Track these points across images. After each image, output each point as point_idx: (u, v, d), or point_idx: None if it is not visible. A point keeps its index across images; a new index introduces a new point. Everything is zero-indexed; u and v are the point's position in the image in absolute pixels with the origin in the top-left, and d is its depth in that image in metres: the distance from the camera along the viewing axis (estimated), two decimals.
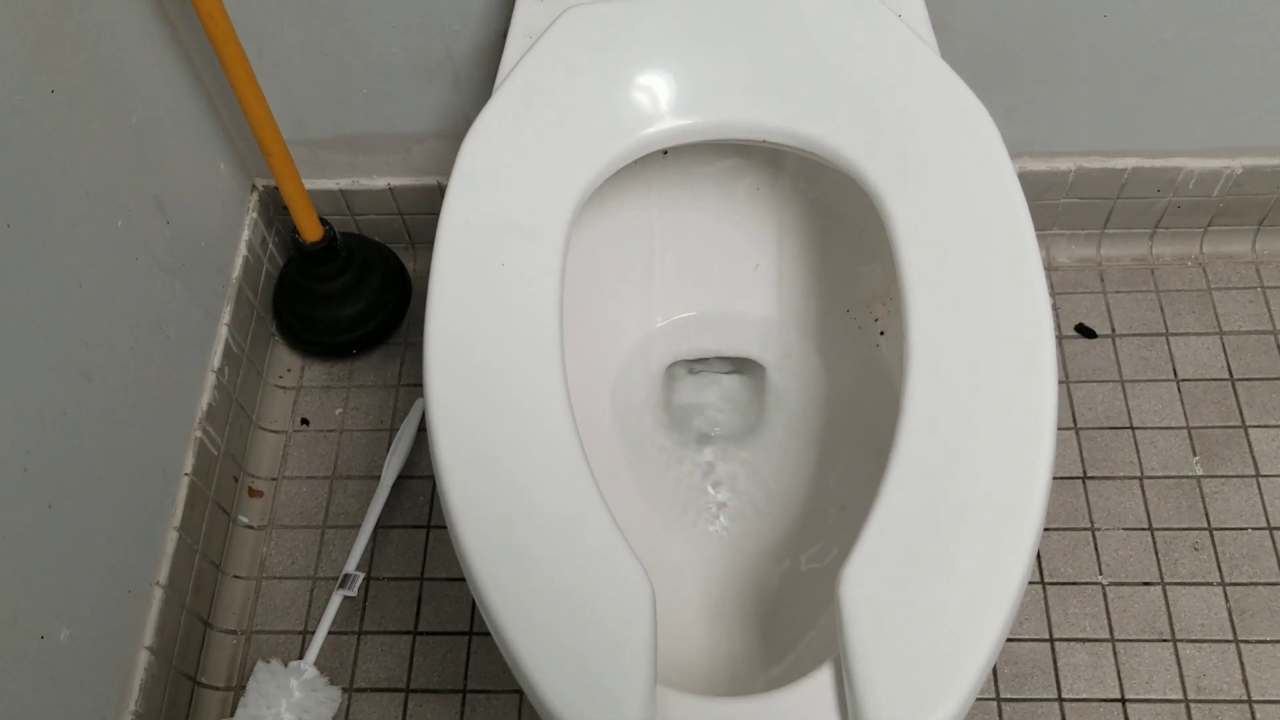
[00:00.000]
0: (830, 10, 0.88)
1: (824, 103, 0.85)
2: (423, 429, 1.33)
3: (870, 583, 0.68)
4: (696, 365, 1.06)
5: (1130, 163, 1.29)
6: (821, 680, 0.67)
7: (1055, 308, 1.38)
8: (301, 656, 1.18)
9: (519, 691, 1.17)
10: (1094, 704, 1.14)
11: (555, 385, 0.75)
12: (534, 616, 0.68)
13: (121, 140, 1.06)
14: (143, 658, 1.07)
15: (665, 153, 0.98)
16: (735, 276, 1.03)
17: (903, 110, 0.85)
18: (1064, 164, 1.29)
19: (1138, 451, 1.28)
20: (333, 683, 1.17)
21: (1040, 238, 1.39)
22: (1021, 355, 0.75)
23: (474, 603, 1.21)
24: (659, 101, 0.86)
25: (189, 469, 1.17)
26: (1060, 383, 1.33)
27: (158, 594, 1.10)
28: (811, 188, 0.99)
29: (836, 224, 1.00)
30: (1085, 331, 1.36)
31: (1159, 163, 1.29)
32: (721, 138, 0.86)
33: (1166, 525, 1.23)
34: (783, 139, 0.85)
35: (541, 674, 0.66)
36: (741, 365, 1.04)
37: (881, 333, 0.98)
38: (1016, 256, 0.79)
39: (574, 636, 0.67)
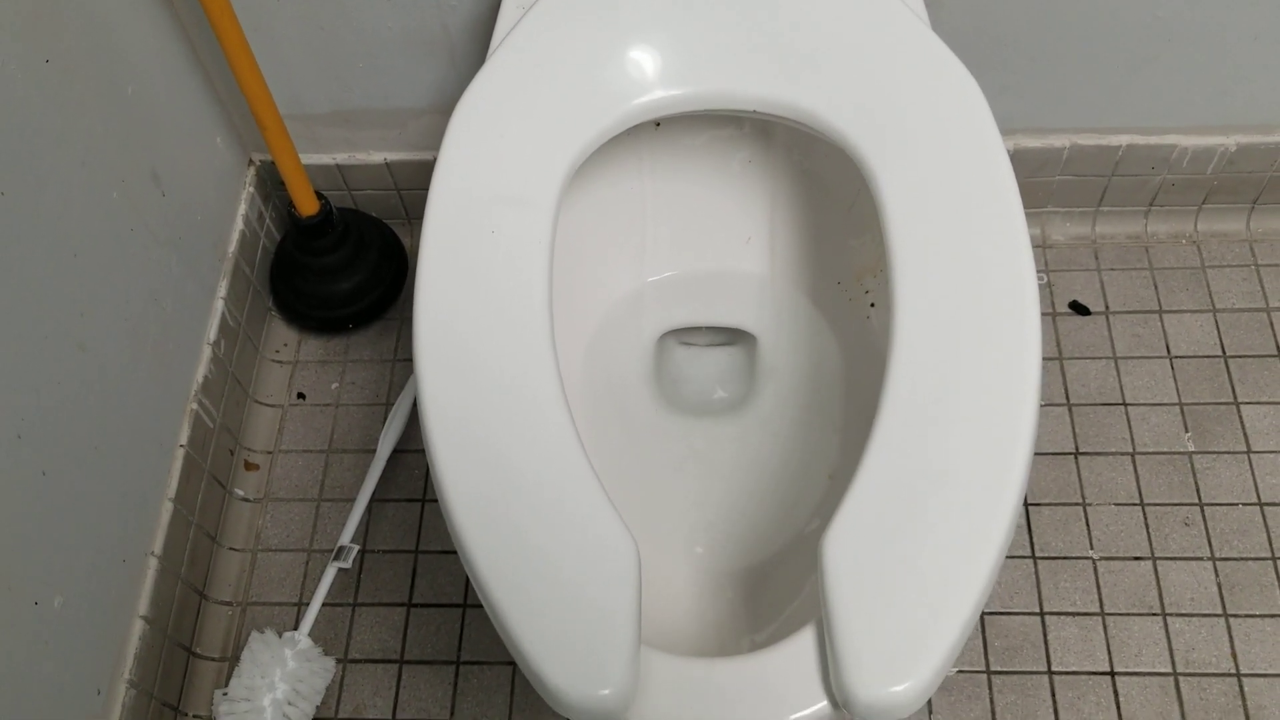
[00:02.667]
0: None
1: (815, 74, 0.85)
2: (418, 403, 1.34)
3: (852, 547, 0.68)
4: (687, 336, 1.06)
5: (1124, 140, 1.29)
6: (804, 642, 0.68)
7: (1049, 284, 1.38)
8: (296, 628, 1.19)
9: (512, 663, 1.18)
10: (1083, 676, 1.15)
11: (544, 356, 0.76)
12: (521, 581, 0.68)
13: (117, 112, 1.06)
14: (138, 627, 1.08)
15: (658, 124, 0.98)
16: (727, 248, 1.03)
17: (893, 82, 0.85)
18: (1059, 141, 1.29)
19: (1130, 427, 1.29)
20: (327, 653, 1.18)
21: (1035, 215, 1.40)
22: (1006, 327, 0.76)
23: (468, 576, 1.23)
24: (650, 71, 0.86)
25: (184, 441, 1.17)
26: (1053, 359, 1.33)
27: (152, 564, 1.11)
28: (803, 159, 0.99)
29: (828, 196, 1.00)
30: (1079, 308, 1.36)
31: (1153, 140, 1.29)
32: (712, 107, 0.87)
33: (1158, 500, 1.24)
34: (773, 109, 0.86)
35: (527, 636, 0.67)
36: (733, 336, 1.05)
37: (872, 304, 0.99)
38: (1003, 229, 0.79)
39: (560, 600, 0.68)
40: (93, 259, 1.02)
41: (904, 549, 0.68)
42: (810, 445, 0.96)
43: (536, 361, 0.76)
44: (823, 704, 0.66)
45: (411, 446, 1.31)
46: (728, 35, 0.87)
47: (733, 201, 1.02)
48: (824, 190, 1.00)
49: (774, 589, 0.89)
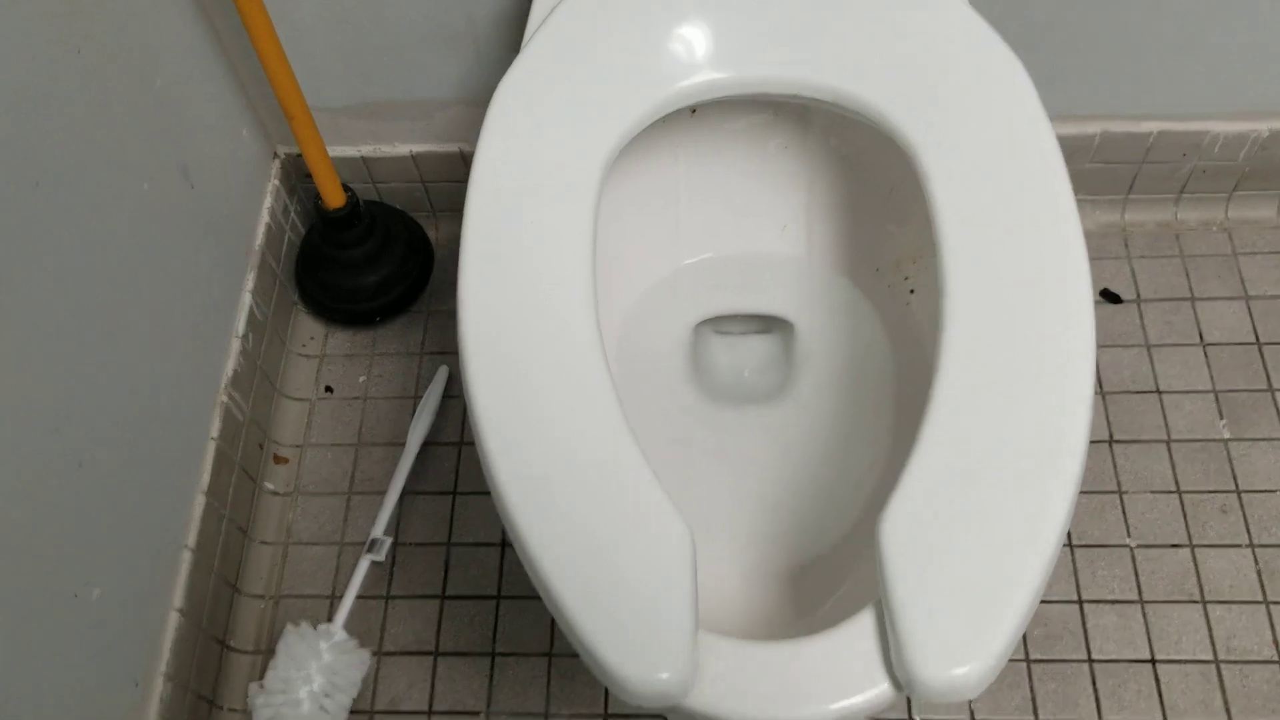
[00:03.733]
0: None
1: (857, 57, 0.85)
2: (448, 396, 1.33)
3: (911, 528, 0.68)
4: (723, 325, 1.05)
5: (1156, 126, 1.28)
6: (863, 624, 0.67)
7: None
8: (330, 620, 1.18)
9: (547, 654, 1.17)
10: (1124, 664, 1.14)
11: (591, 341, 0.75)
12: (577, 566, 0.68)
13: (146, 103, 1.06)
14: (173, 619, 1.07)
15: (693, 110, 0.97)
16: (763, 236, 1.03)
17: (937, 64, 0.84)
18: (1090, 128, 1.28)
19: (1164, 415, 1.28)
20: (362, 646, 1.17)
21: None
22: (1059, 312, 0.75)
23: (501, 568, 1.22)
24: (689, 57, 0.85)
25: (215, 434, 1.17)
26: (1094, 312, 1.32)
27: (186, 557, 1.10)
28: (841, 145, 0.99)
29: (866, 182, 0.99)
30: (1110, 297, 1.35)
31: (1185, 126, 1.28)
32: (752, 92, 0.86)
33: (1194, 488, 1.23)
34: (814, 93, 0.85)
35: (585, 621, 0.66)
36: (769, 324, 1.04)
37: (911, 291, 0.98)
38: (1053, 213, 0.79)
39: (616, 584, 0.67)
40: (124, 251, 1.01)
41: (963, 530, 0.67)
42: (851, 433, 0.95)
43: (583, 350, 0.75)
44: (884, 686, 0.65)
45: (441, 439, 1.31)
46: (766, 19, 0.86)
47: (768, 188, 1.02)
48: (862, 176, 1.00)
49: (818, 578, 0.88)
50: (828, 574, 0.87)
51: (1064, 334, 0.74)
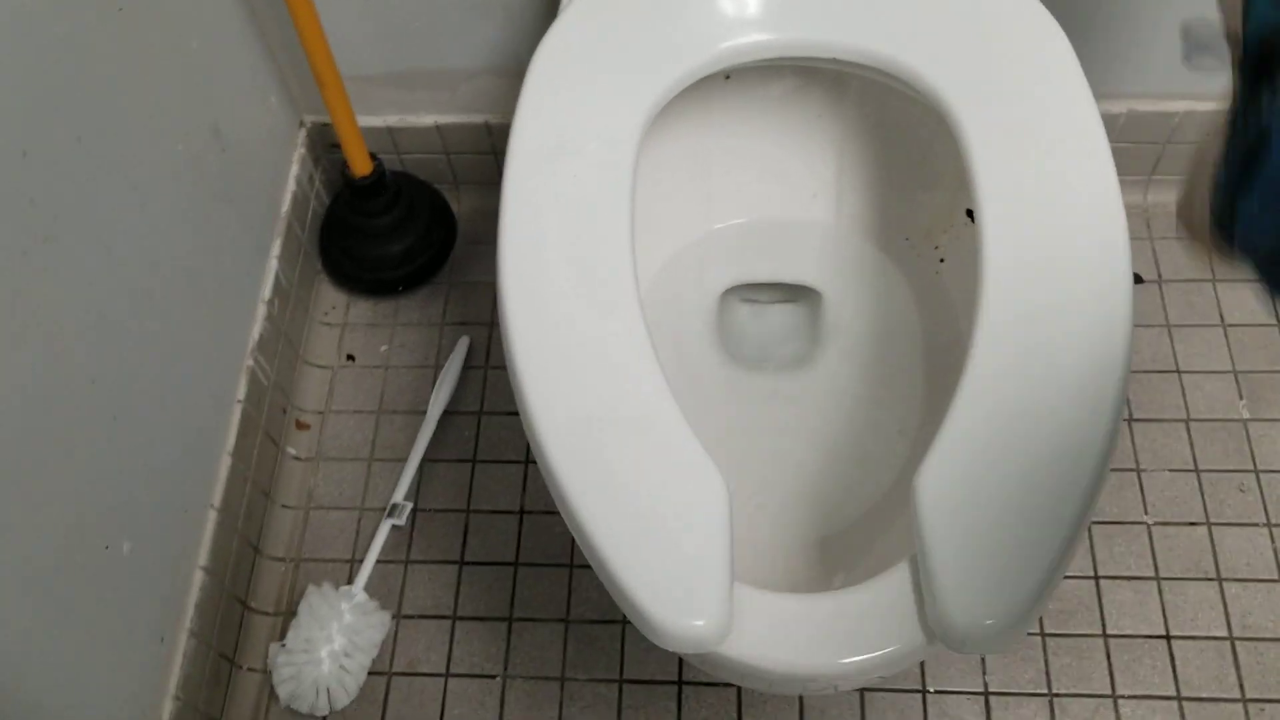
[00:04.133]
0: None
1: (897, 22, 0.85)
2: (468, 366, 1.34)
3: (945, 484, 0.68)
4: (751, 292, 1.06)
5: (1182, 106, 1.28)
6: (897, 577, 0.68)
7: None
8: (350, 583, 1.19)
9: (564, 620, 1.18)
10: (1139, 640, 1.15)
11: (630, 298, 0.76)
12: (615, 515, 0.68)
13: (182, 65, 1.06)
14: (198, 577, 1.08)
15: (727, 77, 0.98)
16: (794, 203, 1.03)
17: (978, 30, 0.85)
18: (1116, 106, 1.28)
19: (1184, 395, 1.28)
20: (382, 608, 1.18)
21: None
22: (1097, 287, 0.76)
23: (520, 534, 1.23)
24: (729, 18, 0.86)
25: (241, 396, 1.17)
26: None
27: (212, 516, 1.11)
28: (875, 112, 0.99)
29: (899, 150, 1.00)
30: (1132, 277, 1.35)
31: (1213, 106, 1.28)
32: (792, 55, 0.86)
33: (1213, 467, 1.24)
34: (854, 57, 0.86)
35: (622, 567, 0.67)
36: (797, 292, 1.04)
37: (941, 260, 0.99)
38: (1094, 183, 0.79)
39: (655, 533, 0.68)
40: (159, 210, 1.02)
41: (996, 489, 0.68)
42: (879, 400, 0.96)
43: (623, 305, 0.76)
44: (918, 636, 0.65)
45: (461, 408, 1.31)
46: None
47: (800, 156, 1.02)
48: (895, 144, 1.00)
49: (849, 543, 0.88)
50: (858, 540, 0.88)
51: (1101, 303, 0.74)
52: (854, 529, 0.90)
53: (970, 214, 0.94)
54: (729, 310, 1.05)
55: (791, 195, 1.03)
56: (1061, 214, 0.78)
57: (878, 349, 0.98)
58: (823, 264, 1.02)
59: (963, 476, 0.68)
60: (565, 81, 0.84)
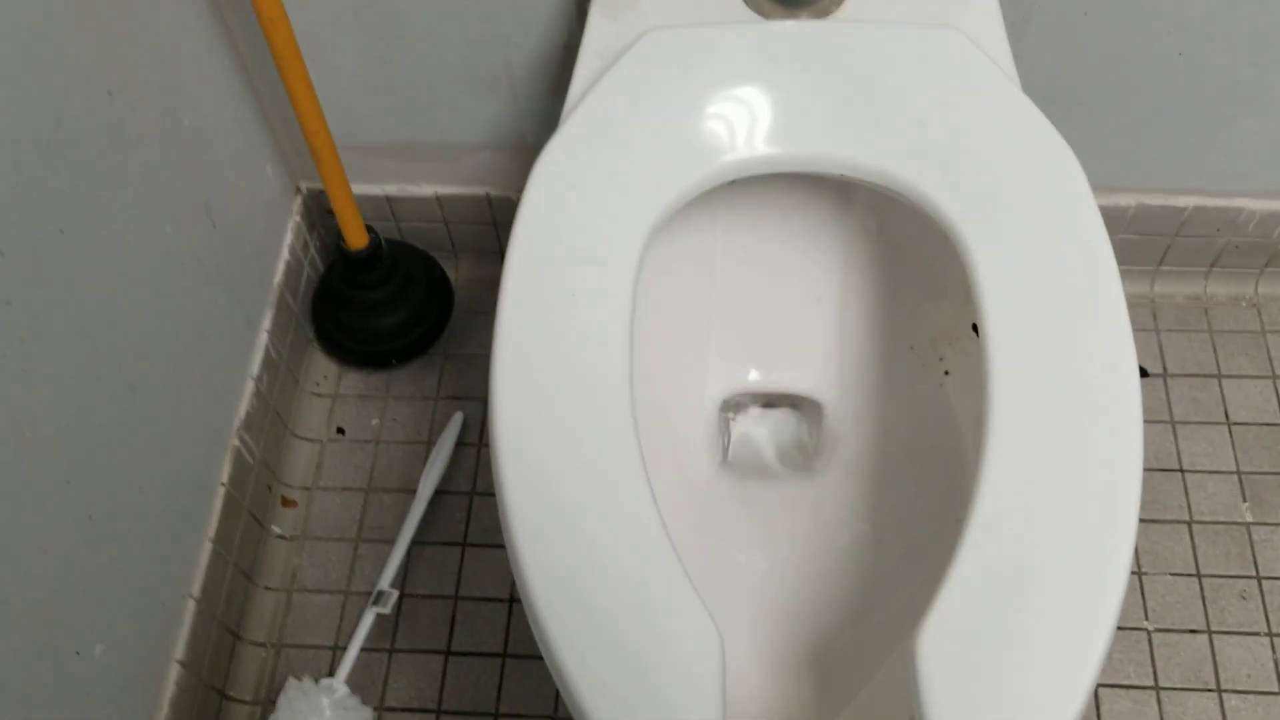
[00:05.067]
0: (913, 44, 0.86)
1: (905, 139, 0.83)
2: (461, 443, 1.31)
3: (948, 646, 0.66)
4: (753, 401, 1.03)
5: (1192, 201, 1.27)
6: None
7: None
8: (332, 673, 1.16)
9: (551, 717, 1.15)
10: None
11: (625, 428, 0.73)
12: (604, 671, 0.66)
13: (174, 144, 1.04)
14: (173, 671, 1.05)
15: (732, 181, 0.95)
16: (797, 308, 1.01)
17: (986, 149, 0.82)
18: (1125, 199, 1.27)
19: (1187, 495, 1.26)
20: (364, 702, 1.15)
21: None
22: (1106, 414, 0.73)
23: (508, 625, 1.20)
24: (738, 130, 0.83)
25: (225, 479, 1.15)
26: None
27: (190, 606, 1.08)
28: (882, 222, 0.97)
29: (905, 259, 0.98)
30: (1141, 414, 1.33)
31: (1221, 202, 1.27)
32: (799, 169, 0.84)
33: (1215, 572, 1.21)
34: (860, 174, 0.83)
35: None
36: (799, 402, 1.02)
37: (946, 372, 0.96)
38: (1102, 307, 0.77)
39: (644, 689, 0.65)
40: (145, 296, 0.99)
41: (1002, 651, 0.65)
42: (881, 519, 0.93)
43: (618, 433, 0.73)
44: None
45: (453, 488, 1.29)
46: (815, 96, 0.84)
47: (805, 259, 1.00)
48: (901, 252, 0.98)
49: (846, 670, 0.86)
50: (855, 667, 0.85)
51: (1111, 443, 0.72)
52: (855, 654, 0.87)
53: (975, 328, 0.91)
54: (731, 419, 1.02)
55: (796, 298, 1.01)
56: (1068, 344, 0.75)
57: (879, 464, 0.96)
58: (825, 371, 1.00)
59: (967, 636, 0.66)
60: (565, 193, 0.81)
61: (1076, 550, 0.69)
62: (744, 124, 0.83)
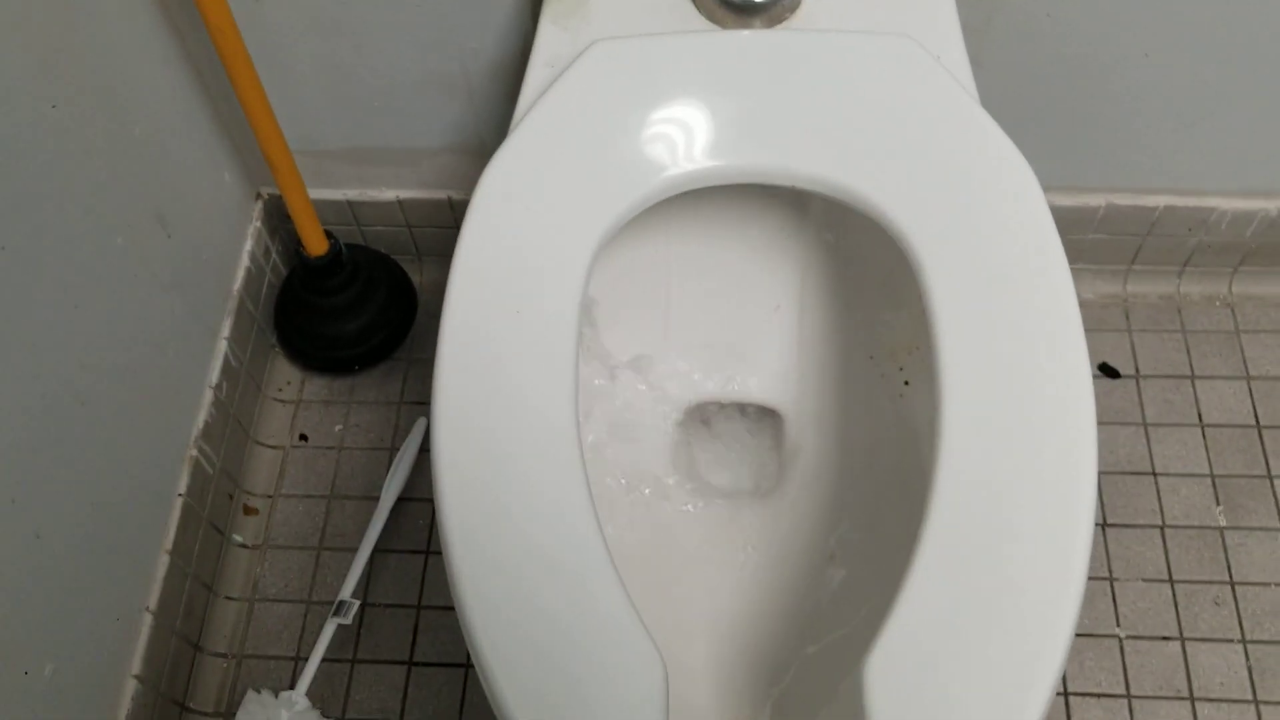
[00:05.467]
0: (866, 53, 0.84)
1: (857, 149, 0.81)
2: (424, 449, 1.30)
3: (897, 673, 0.64)
4: (711, 413, 1.02)
5: (1163, 200, 1.25)
6: None
7: None
8: (293, 685, 1.15)
9: None
10: None
11: (569, 442, 0.72)
12: (541, 696, 0.64)
13: (123, 154, 1.02)
14: (130, 686, 1.04)
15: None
16: (754, 318, 0.99)
17: (939, 160, 0.81)
18: (1094, 200, 1.25)
19: (1159, 499, 1.25)
20: (325, 714, 1.14)
21: None
22: (1059, 430, 0.72)
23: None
24: (687, 142, 0.82)
25: (183, 489, 1.13)
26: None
27: (147, 620, 1.07)
28: (837, 231, 0.95)
29: (862, 269, 0.96)
30: (1109, 371, 1.32)
31: (1192, 202, 1.25)
32: (750, 181, 0.82)
33: (1187, 578, 1.20)
34: (813, 185, 0.82)
35: None
36: (759, 412, 1.00)
37: (905, 382, 0.95)
38: (1057, 319, 0.76)
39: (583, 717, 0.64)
40: (95, 310, 0.97)
41: (951, 680, 0.64)
42: (840, 533, 0.92)
43: (562, 453, 0.72)
44: None
45: (416, 494, 1.27)
46: (769, 107, 0.83)
47: (761, 269, 0.98)
48: (858, 262, 0.96)
49: (802, 690, 0.84)
50: (812, 689, 0.84)
51: (1065, 466, 0.71)
52: (810, 673, 0.86)
53: None
54: (690, 431, 1.01)
55: (754, 308, 0.99)
56: (1021, 357, 0.74)
57: (839, 475, 0.95)
58: (785, 382, 0.98)
59: (917, 663, 0.65)
60: (510, 208, 0.80)
61: (1030, 564, 0.67)
62: (693, 136, 0.82)
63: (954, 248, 0.78)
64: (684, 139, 0.82)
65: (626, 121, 0.82)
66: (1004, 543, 0.68)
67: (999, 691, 0.64)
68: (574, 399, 0.73)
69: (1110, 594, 1.19)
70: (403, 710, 1.15)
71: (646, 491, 0.95)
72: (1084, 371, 0.74)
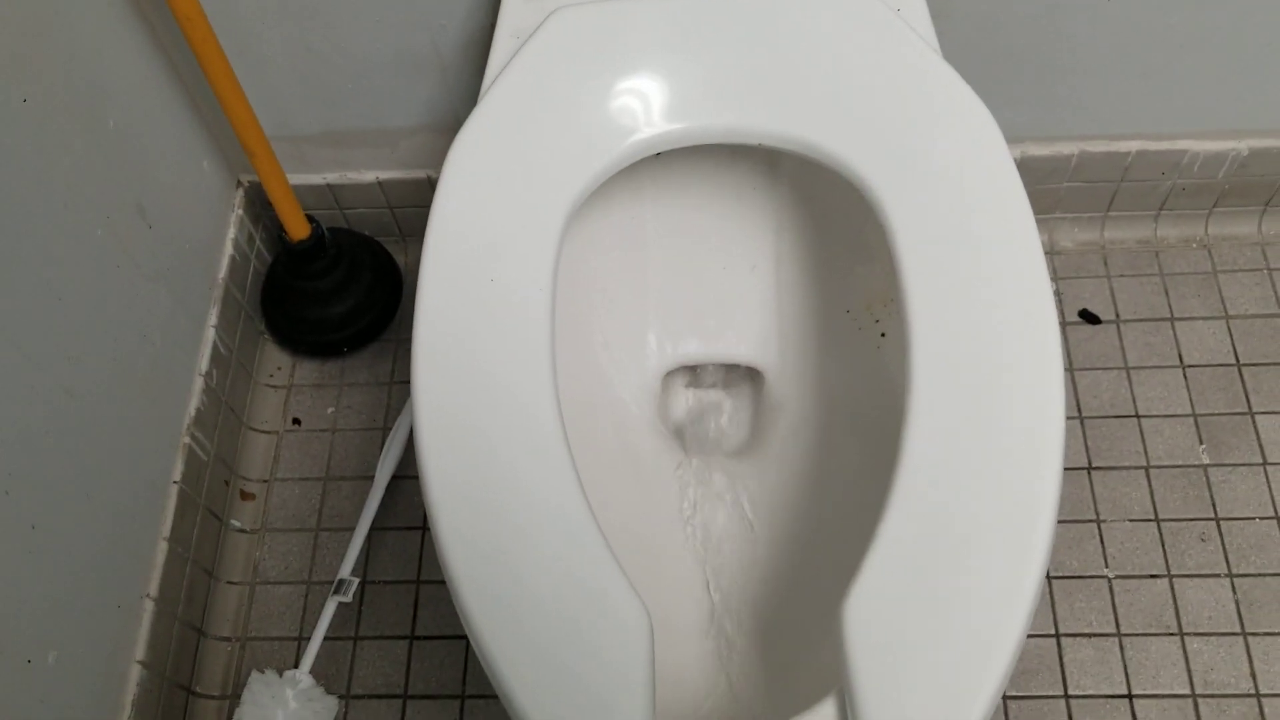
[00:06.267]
0: (827, 8, 0.85)
1: (820, 104, 0.82)
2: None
3: (875, 612, 0.66)
4: (693, 372, 1.03)
5: (1135, 146, 1.26)
6: (825, 713, 0.65)
7: (1058, 293, 1.35)
8: (297, 665, 1.16)
9: None
10: (1101, 700, 1.13)
11: (548, 407, 0.73)
12: (530, 654, 0.66)
13: (99, 146, 1.03)
14: (135, 672, 1.05)
15: (658, 154, 0.95)
16: (732, 278, 1.00)
17: (901, 112, 0.82)
18: (1067, 148, 1.26)
19: (1143, 440, 1.26)
20: (329, 691, 1.15)
21: (1042, 222, 1.37)
22: (1027, 369, 0.73)
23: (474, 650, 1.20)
24: (652, 105, 0.83)
25: (178, 477, 1.14)
26: (1064, 370, 1.30)
27: (149, 607, 1.08)
28: (809, 187, 0.96)
29: (835, 224, 0.97)
30: (1089, 317, 1.33)
31: (1164, 145, 1.26)
32: (716, 141, 0.83)
33: (1173, 516, 1.22)
34: (779, 142, 0.83)
35: (537, 713, 0.64)
36: (739, 372, 1.02)
37: (883, 334, 0.96)
38: (1021, 262, 0.77)
39: (571, 674, 0.65)
40: (79, 301, 0.99)
41: (930, 616, 0.66)
42: (823, 486, 0.93)
43: (541, 415, 0.73)
44: None
45: (410, 473, 1.29)
46: (731, 65, 0.84)
47: (737, 229, 0.99)
48: (831, 217, 0.97)
49: (789, 643, 0.86)
50: (798, 637, 0.86)
51: (1032, 398, 0.72)
52: (797, 633, 0.87)
53: None
54: (671, 392, 1.02)
55: (730, 267, 1.00)
56: (988, 302, 0.75)
57: (821, 430, 0.96)
58: (764, 341, 1.00)
59: (892, 603, 0.66)
60: (481, 179, 0.81)
61: (1001, 506, 0.69)
62: (658, 98, 0.83)
63: (918, 198, 0.79)
64: (649, 103, 0.83)
65: (591, 87, 0.83)
66: (974, 486, 0.69)
67: (975, 629, 0.65)
68: (551, 365, 0.75)
69: (1098, 535, 1.21)
70: (406, 683, 1.17)
71: (630, 454, 0.96)
72: (1049, 312, 0.75)
